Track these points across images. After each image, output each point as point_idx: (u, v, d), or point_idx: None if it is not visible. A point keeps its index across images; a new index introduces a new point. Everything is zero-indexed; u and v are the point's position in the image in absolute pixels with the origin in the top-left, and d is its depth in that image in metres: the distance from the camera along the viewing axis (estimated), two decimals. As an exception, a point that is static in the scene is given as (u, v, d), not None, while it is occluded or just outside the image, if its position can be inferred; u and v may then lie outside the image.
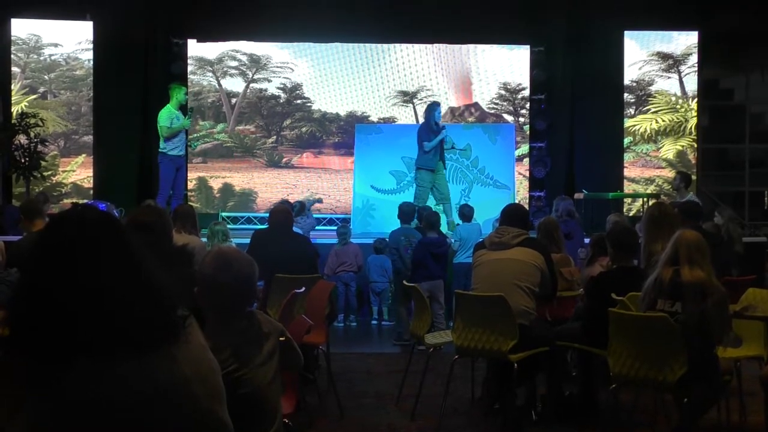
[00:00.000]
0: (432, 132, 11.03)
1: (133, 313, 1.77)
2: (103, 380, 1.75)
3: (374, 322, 10.11)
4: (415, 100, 14.29)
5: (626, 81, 13.83)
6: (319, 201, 10.21)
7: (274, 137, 14.45)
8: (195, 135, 13.88)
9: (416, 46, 14.09)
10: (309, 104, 14.40)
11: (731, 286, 5.49)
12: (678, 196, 10.63)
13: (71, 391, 1.74)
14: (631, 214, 13.20)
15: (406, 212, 9.18)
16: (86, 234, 1.82)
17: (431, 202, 11.11)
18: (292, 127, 14.47)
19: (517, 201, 12.33)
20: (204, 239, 7.64)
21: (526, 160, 13.97)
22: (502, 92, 14.35)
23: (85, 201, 11.57)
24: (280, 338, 3.24)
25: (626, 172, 13.80)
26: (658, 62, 13.94)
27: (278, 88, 14.36)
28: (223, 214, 13.36)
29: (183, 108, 11.09)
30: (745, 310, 5.35)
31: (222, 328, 3.04)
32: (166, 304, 1.85)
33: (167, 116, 10.52)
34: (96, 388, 1.75)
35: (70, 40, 13.51)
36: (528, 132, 14.04)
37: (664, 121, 13.88)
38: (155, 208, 4.72)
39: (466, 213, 9.93)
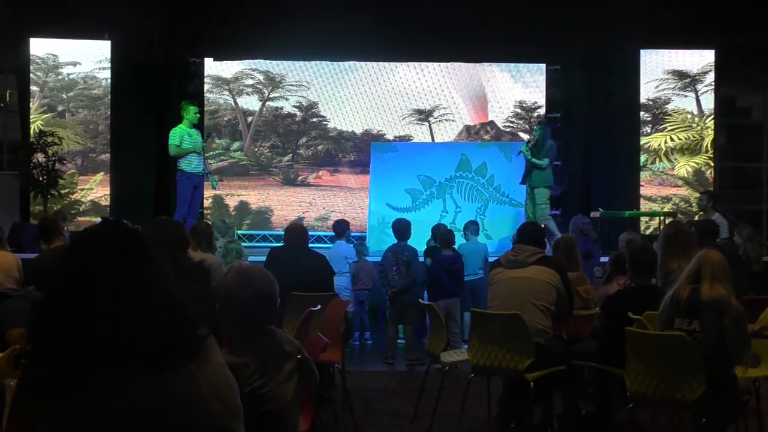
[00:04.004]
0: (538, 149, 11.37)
1: (156, 331, 1.79)
2: (123, 396, 1.76)
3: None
4: (430, 119, 14.32)
5: (642, 99, 13.81)
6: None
7: (290, 155, 14.51)
8: (211, 153, 13.95)
9: (432, 64, 14.14)
10: (325, 122, 14.46)
11: (750, 306, 5.45)
12: (705, 216, 10.54)
13: (91, 406, 1.76)
14: (648, 232, 13.14)
15: (397, 229, 9.17)
16: (112, 250, 1.83)
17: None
18: (307, 145, 14.52)
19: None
20: (219, 257, 7.66)
21: (542, 179, 13.94)
22: (518, 110, 14.36)
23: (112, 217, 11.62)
24: (297, 356, 3.25)
25: (643, 191, 13.75)
26: (675, 80, 13.92)
27: (294, 106, 14.43)
28: (239, 232, 13.40)
29: (199, 127, 11.15)
30: (764, 330, 5.32)
31: (245, 345, 3.06)
32: (188, 323, 1.87)
33: (177, 135, 10.58)
34: (115, 404, 1.76)
35: (88, 59, 13.63)
36: (544, 150, 14.01)
37: (680, 139, 13.84)
38: (173, 223, 4.72)
39: (471, 231, 9.88)
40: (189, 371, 1.84)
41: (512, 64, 14.26)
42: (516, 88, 14.32)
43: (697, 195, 12.51)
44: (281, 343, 3.20)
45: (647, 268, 5.58)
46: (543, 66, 14.04)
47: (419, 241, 10.43)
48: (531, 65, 14.20)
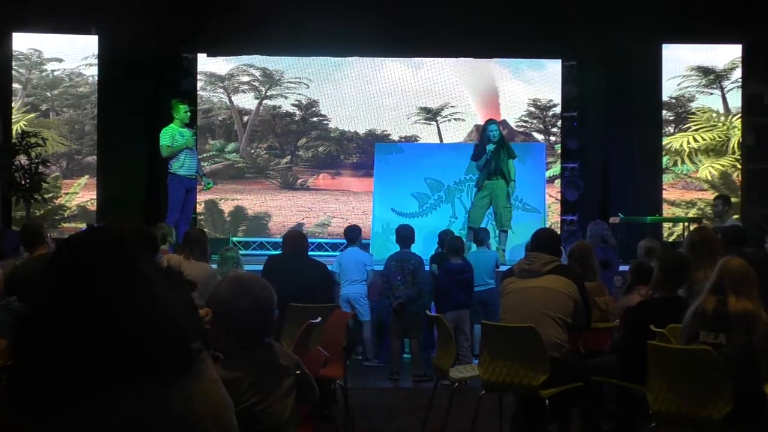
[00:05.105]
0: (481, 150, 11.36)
1: (146, 344, 1.79)
2: (113, 413, 1.76)
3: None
4: (438, 118, 14.32)
5: (665, 97, 13.80)
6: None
7: (289, 157, 14.51)
8: (205, 155, 13.94)
9: (440, 60, 14.13)
10: (326, 122, 14.47)
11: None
12: (720, 221, 10.55)
13: (79, 423, 1.76)
14: (671, 239, 13.13)
15: (401, 236, 9.15)
16: (99, 258, 1.84)
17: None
18: (307, 146, 14.53)
19: (547, 225, 12.28)
20: (214, 266, 7.67)
21: (558, 182, 13.95)
22: (532, 109, 14.36)
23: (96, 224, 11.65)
24: (296, 372, 3.25)
25: (665, 195, 13.74)
26: (699, 77, 13.91)
27: (293, 105, 14.44)
28: (234, 239, 13.40)
29: (191, 127, 11.17)
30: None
31: (240, 359, 3.05)
32: (180, 336, 1.87)
33: (168, 135, 10.59)
34: (105, 421, 1.76)
35: (74, 55, 13.66)
36: (559, 151, 14.03)
37: (705, 139, 13.83)
38: (135, 224, 4.65)
39: (480, 238, 9.87)
40: (182, 387, 1.84)
41: (526, 60, 14.27)
42: (530, 85, 14.32)
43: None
44: (279, 357, 3.20)
45: (678, 277, 5.55)
46: (558, 62, 14.02)
47: (426, 248, 10.43)
48: (546, 61, 14.19)
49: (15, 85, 13.54)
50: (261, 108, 14.48)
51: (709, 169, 13.83)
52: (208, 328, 3.07)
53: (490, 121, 11.70)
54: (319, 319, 6.04)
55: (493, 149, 11.22)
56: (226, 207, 14.24)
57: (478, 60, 14.15)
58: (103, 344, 1.76)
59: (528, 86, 14.32)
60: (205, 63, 14.12)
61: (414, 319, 8.82)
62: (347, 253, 9.44)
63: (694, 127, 13.91)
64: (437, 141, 14.24)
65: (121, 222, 4.01)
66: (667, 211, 13.64)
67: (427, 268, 9.40)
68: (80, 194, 13.66)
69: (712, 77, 13.91)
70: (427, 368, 8.49)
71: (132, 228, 3.77)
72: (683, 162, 13.90)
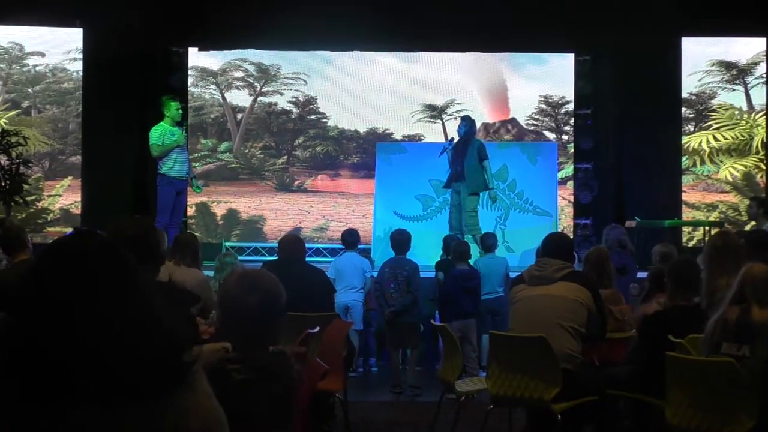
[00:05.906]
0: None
1: (137, 358, 1.79)
2: (102, 428, 1.77)
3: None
4: (444, 116, 14.32)
5: (684, 93, 13.79)
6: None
7: (285, 157, 14.52)
8: (196, 155, 13.94)
9: (445, 54, 14.13)
10: (324, 120, 14.48)
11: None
12: (757, 225, 10.52)
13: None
14: (691, 244, 13.12)
15: (396, 241, 9.11)
16: (86, 266, 1.84)
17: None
18: (305, 145, 14.54)
19: (560, 229, 12.29)
20: (210, 272, 7.67)
21: (570, 183, 13.95)
22: (543, 106, 14.36)
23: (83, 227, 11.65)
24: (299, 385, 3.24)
25: (685, 197, 13.73)
26: (721, 72, 13.91)
27: (290, 102, 14.45)
28: (228, 244, 13.41)
29: (182, 125, 11.18)
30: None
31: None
32: (172, 348, 1.87)
33: (158, 134, 10.59)
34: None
35: (57, 49, 13.68)
36: (572, 151, 14.02)
37: (727, 138, 13.82)
38: (142, 221, 4.59)
39: (488, 244, 9.85)
40: (174, 402, 1.85)
41: (537, 55, 14.25)
42: (541, 81, 14.32)
43: (748, 202, 12.48)
44: (291, 368, 3.17)
45: (689, 285, 5.56)
46: (571, 56, 14.01)
47: (431, 254, 10.42)
48: (558, 55, 14.19)
49: (-5, 81, 13.58)
50: (256, 105, 14.49)
51: (730, 169, 13.82)
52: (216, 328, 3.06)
53: (462, 117, 11.71)
54: (318, 329, 6.04)
55: (450, 146, 11.24)
56: (219, 210, 14.23)
57: (486, 54, 14.13)
58: (86, 360, 1.76)
59: (539, 82, 14.31)
60: (197, 57, 14.13)
61: (410, 328, 8.79)
62: (345, 257, 9.41)
63: (715, 126, 13.90)
64: (442, 140, 14.21)
65: (122, 224, 3.95)
66: (687, 214, 13.63)
67: (430, 274, 9.39)
68: (64, 196, 13.68)
69: (735, 72, 13.91)
70: (422, 381, 8.52)
71: (133, 230, 3.72)
72: (703, 162, 13.89)
